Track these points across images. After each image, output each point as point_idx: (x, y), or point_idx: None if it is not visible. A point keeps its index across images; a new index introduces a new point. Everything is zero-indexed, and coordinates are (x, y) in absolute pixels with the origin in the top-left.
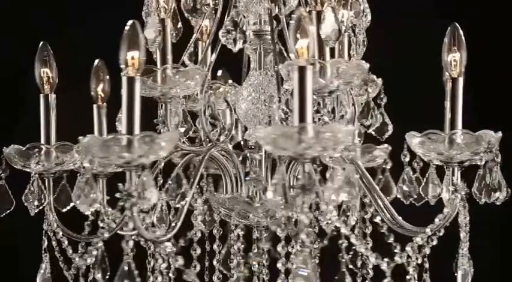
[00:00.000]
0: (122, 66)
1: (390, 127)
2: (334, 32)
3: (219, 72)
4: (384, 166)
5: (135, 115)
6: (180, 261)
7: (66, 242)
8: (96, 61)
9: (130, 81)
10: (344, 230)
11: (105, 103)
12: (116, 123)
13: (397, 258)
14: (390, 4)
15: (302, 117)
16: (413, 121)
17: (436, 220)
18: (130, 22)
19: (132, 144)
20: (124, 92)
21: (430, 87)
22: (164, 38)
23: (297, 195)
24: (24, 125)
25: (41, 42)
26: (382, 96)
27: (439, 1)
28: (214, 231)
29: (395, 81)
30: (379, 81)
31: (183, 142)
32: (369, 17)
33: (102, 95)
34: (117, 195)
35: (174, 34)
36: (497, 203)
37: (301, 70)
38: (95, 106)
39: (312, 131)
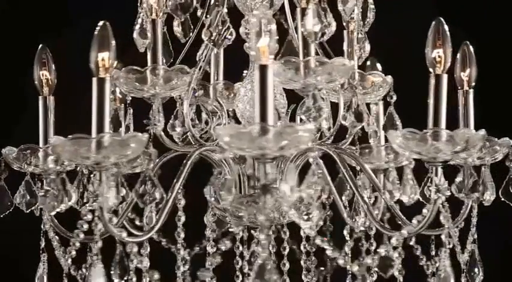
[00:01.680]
0: (92, 67)
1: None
2: (315, 29)
3: (245, 72)
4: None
5: (105, 116)
6: (145, 262)
7: (56, 242)
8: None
9: (101, 82)
10: (308, 231)
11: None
12: None
13: (369, 260)
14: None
15: (263, 117)
16: (422, 120)
17: (414, 221)
18: (101, 23)
19: (101, 145)
20: (94, 93)
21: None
22: (154, 39)
23: (258, 195)
24: (25, 126)
25: (40, 45)
26: (391, 93)
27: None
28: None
29: (404, 79)
30: (389, 79)
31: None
32: (373, 13)
33: (120, 96)
34: (87, 196)
35: (183, 34)
36: (486, 204)
37: (262, 69)
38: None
39: (268, 130)
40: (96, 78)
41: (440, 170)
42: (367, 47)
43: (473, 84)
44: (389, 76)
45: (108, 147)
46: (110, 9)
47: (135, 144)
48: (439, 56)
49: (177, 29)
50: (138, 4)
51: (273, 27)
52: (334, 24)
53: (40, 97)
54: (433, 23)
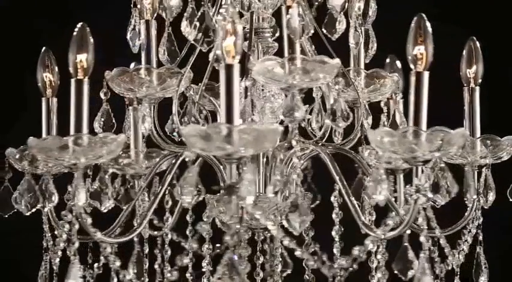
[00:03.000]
0: (71, 69)
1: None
2: (298, 28)
3: None
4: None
5: (84, 118)
6: (117, 263)
7: (51, 242)
8: (132, 64)
9: (79, 84)
10: (274, 232)
11: (140, 105)
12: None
13: (342, 261)
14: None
15: (229, 117)
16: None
17: (390, 222)
18: (79, 25)
19: (80, 145)
20: (72, 94)
21: (447, 87)
22: (148, 39)
23: (222, 196)
24: (26, 126)
25: (43, 48)
26: (397, 93)
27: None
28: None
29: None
30: (395, 78)
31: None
32: (373, 9)
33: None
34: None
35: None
36: (469, 204)
37: (228, 68)
38: (130, 108)
39: (227, 130)
40: (74, 80)
41: (420, 170)
42: (374, 44)
43: (480, 81)
44: (396, 74)
45: (81, 148)
46: (111, 9)
47: (110, 145)
48: (420, 53)
49: (186, 29)
50: (132, 5)
51: (239, 27)
52: (344, 22)
53: (43, 99)
54: (415, 18)
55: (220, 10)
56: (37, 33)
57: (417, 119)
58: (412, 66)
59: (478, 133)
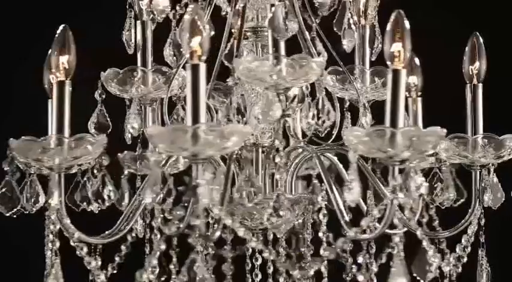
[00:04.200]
0: (53, 70)
1: None
2: (281, 26)
3: None
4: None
5: (65, 119)
6: (93, 263)
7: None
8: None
9: (61, 85)
10: (242, 233)
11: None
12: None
13: (315, 264)
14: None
15: (195, 118)
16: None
17: (363, 223)
18: (61, 27)
19: (63, 146)
20: (54, 95)
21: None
22: (144, 40)
23: (189, 197)
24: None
25: (49, 50)
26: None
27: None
28: None
29: None
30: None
31: None
32: (374, 7)
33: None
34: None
35: None
36: (446, 205)
37: (194, 68)
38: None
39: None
40: (55, 82)
41: (397, 170)
42: (379, 43)
43: (483, 78)
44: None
45: (55, 149)
46: (111, 8)
47: (90, 146)
48: (397, 50)
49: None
50: (127, 6)
51: (207, 26)
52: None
53: (49, 100)
54: (393, 15)
55: (187, 9)
56: (36, 34)
57: (393, 118)
58: (389, 63)
59: (480, 131)
